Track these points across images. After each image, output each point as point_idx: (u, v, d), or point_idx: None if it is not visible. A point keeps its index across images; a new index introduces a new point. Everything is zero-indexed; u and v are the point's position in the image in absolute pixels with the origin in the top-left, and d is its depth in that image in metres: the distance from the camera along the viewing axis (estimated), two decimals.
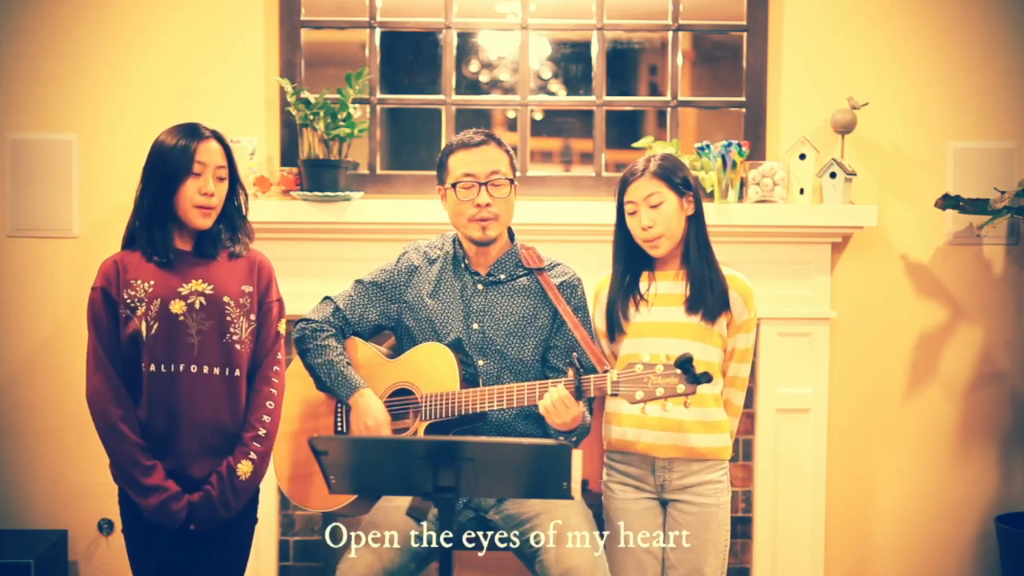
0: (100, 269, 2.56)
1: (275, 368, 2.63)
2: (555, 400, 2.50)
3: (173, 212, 2.53)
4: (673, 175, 2.68)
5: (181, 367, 2.52)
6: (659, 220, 2.67)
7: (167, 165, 2.51)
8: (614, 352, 2.80)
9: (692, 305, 2.68)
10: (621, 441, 2.73)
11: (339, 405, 2.77)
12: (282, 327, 2.67)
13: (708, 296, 2.67)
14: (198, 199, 2.52)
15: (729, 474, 2.76)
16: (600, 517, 2.77)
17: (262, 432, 2.59)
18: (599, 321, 2.81)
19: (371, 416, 2.68)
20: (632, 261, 2.75)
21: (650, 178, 2.68)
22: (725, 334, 2.72)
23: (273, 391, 2.62)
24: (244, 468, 2.55)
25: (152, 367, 2.51)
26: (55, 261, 3.55)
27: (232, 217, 2.62)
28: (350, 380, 2.72)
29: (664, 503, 2.73)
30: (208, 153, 2.54)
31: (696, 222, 2.72)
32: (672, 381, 2.37)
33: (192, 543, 2.57)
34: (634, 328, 2.73)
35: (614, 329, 2.76)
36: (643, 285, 2.74)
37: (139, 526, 2.55)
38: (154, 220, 2.53)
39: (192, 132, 2.55)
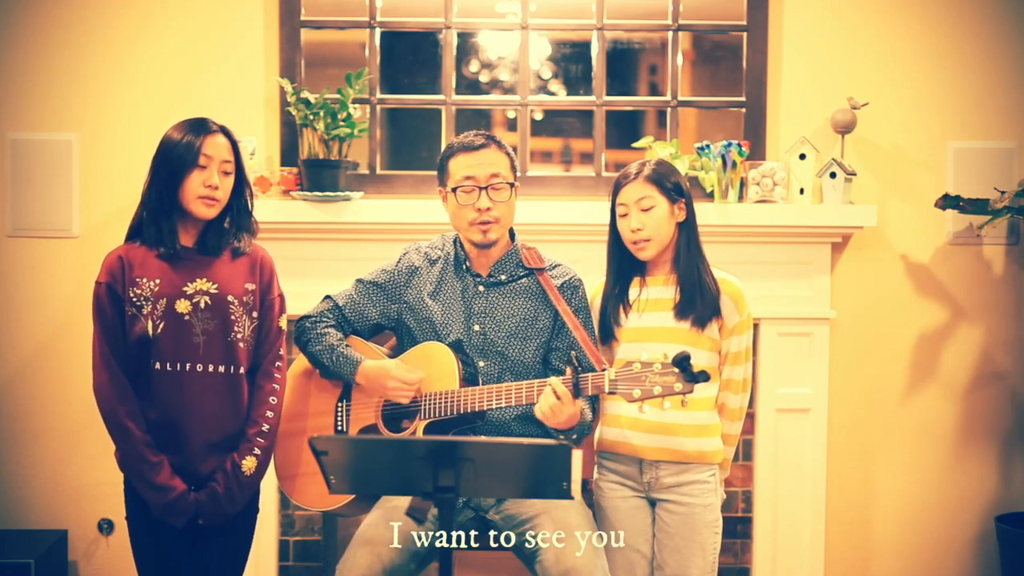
0: (104, 263, 2.57)
1: (277, 364, 2.65)
2: (551, 403, 2.50)
3: (178, 204, 2.55)
4: (665, 180, 2.70)
5: (187, 366, 2.54)
6: (648, 224, 2.68)
7: (173, 158, 2.54)
8: (608, 358, 2.79)
9: (681, 311, 2.68)
10: (611, 441, 2.74)
11: (339, 404, 2.77)
12: (283, 323, 2.69)
13: (697, 302, 2.68)
14: (202, 191, 2.54)
15: (719, 475, 2.75)
16: (594, 516, 2.77)
17: (265, 428, 2.61)
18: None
19: (386, 376, 2.64)
20: (625, 265, 2.77)
21: (643, 182, 2.69)
22: (717, 338, 2.72)
23: (276, 387, 2.64)
24: (248, 464, 2.58)
25: (158, 365, 2.53)
26: (55, 261, 3.55)
27: (238, 212, 2.64)
28: (351, 358, 2.71)
29: (652, 503, 2.73)
30: (214, 147, 2.56)
31: (687, 228, 2.73)
32: (670, 379, 2.37)
33: (196, 535, 2.58)
34: (626, 334, 2.74)
35: (608, 335, 2.77)
36: (634, 291, 2.75)
37: (144, 516, 2.57)
38: (161, 212, 2.56)
39: (199, 127, 2.57)
